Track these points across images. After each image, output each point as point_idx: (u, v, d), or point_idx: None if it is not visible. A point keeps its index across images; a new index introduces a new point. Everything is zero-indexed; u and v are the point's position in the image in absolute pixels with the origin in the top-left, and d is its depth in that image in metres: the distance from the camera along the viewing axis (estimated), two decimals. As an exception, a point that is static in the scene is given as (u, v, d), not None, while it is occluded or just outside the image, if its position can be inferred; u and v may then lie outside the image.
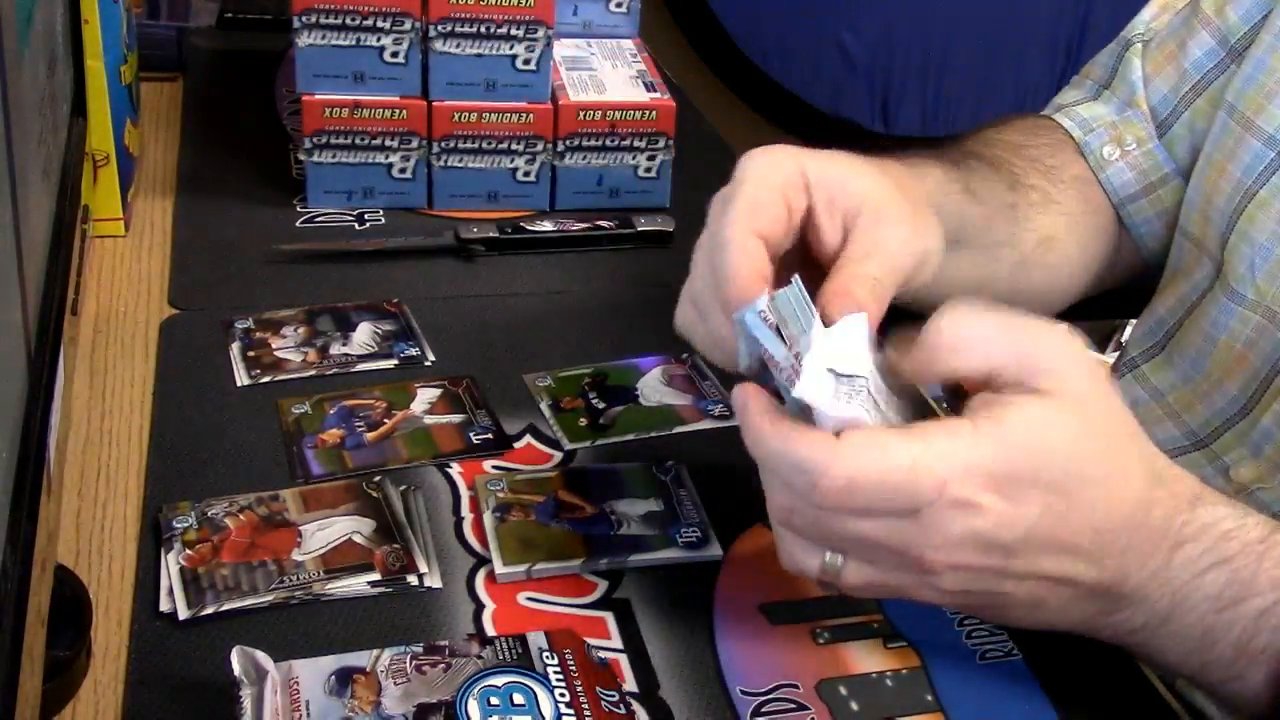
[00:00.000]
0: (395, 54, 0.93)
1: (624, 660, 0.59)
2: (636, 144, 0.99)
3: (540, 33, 0.94)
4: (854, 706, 0.58)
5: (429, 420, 0.74)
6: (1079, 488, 0.51)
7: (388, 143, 0.95)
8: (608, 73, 1.02)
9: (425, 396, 0.76)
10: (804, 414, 0.53)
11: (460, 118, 0.95)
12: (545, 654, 0.57)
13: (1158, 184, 0.82)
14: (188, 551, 0.62)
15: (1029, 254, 0.79)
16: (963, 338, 0.53)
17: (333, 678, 0.55)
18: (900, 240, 0.60)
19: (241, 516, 0.65)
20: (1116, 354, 0.90)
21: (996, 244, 0.77)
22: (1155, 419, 0.80)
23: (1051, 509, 0.51)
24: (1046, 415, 0.51)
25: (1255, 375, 0.73)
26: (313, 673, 0.55)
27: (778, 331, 0.54)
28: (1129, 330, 0.83)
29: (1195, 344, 0.77)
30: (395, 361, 0.79)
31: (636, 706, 0.56)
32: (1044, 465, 0.51)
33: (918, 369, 0.54)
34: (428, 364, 0.80)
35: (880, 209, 0.61)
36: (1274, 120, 0.74)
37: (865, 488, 0.50)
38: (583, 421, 0.75)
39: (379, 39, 0.93)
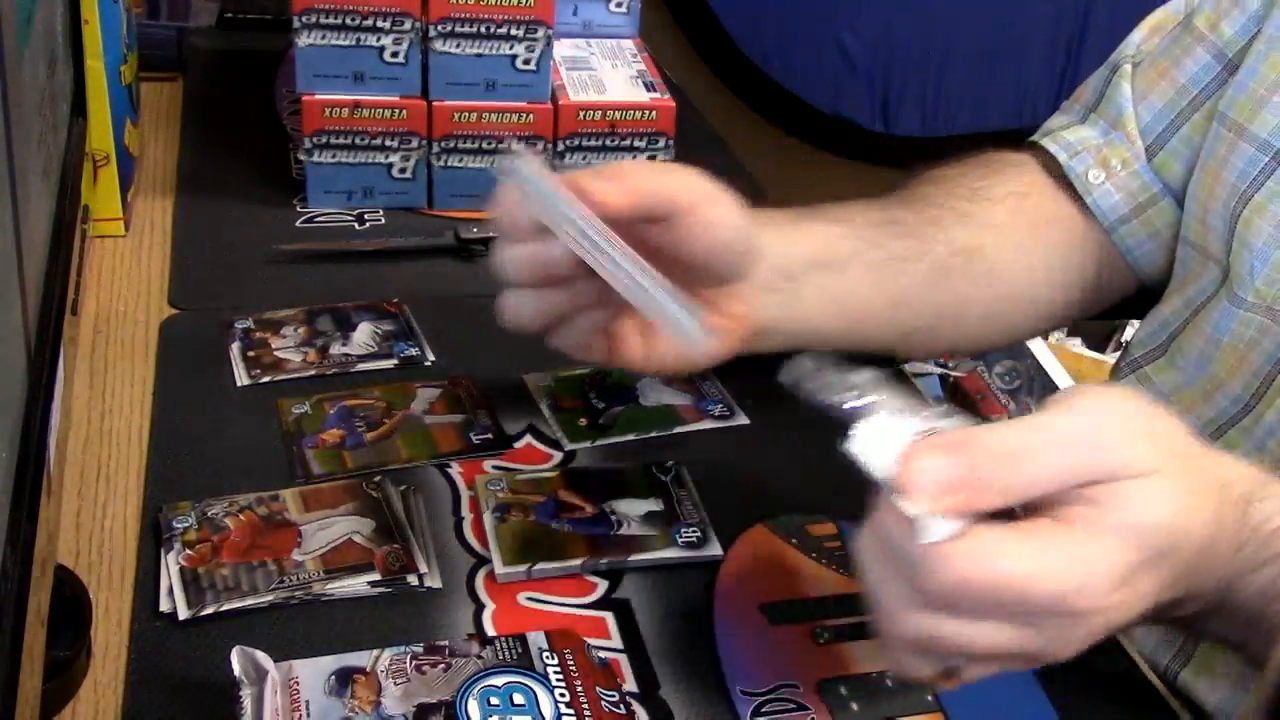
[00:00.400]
0: (395, 54, 0.93)
1: (624, 660, 0.59)
2: (636, 144, 0.99)
3: (540, 33, 0.94)
4: (854, 706, 0.58)
5: (429, 420, 0.74)
6: (1189, 551, 0.50)
7: (388, 143, 0.95)
8: (608, 73, 1.02)
9: (425, 396, 0.76)
10: None
11: (460, 118, 0.95)
12: (545, 654, 0.57)
13: (1147, 204, 0.82)
14: (188, 551, 0.62)
15: (944, 262, 0.79)
16: (1042, 456, 0.48)
17: (333, 678, 0.55)
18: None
19: (241, 516, 0.65)
20: (1118, 354, 0.90)
21: (892, 258, 0.78)
22: None
23: (1162, 579, 0.50)
24: (1159, 493, 0.48)
25: (1257, 373, 0.73)
26: (313, 673, 0.55)
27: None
28: (1130, 331, 0.83)
29: (1198, 346, 0.77)
30: (395, 361, 0.79)
31: (636, 706, 0.56)
32: (1163, 545, 0.49)
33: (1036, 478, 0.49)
34: (428, 364, 0.80)
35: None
36: (1267, 125, 0.74)
37: (977, 590, 0.47)
38: (583, 421, 0.75)
39: (379, 39, 0.93)
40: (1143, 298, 0.87)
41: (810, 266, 0.75)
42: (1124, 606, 0.49)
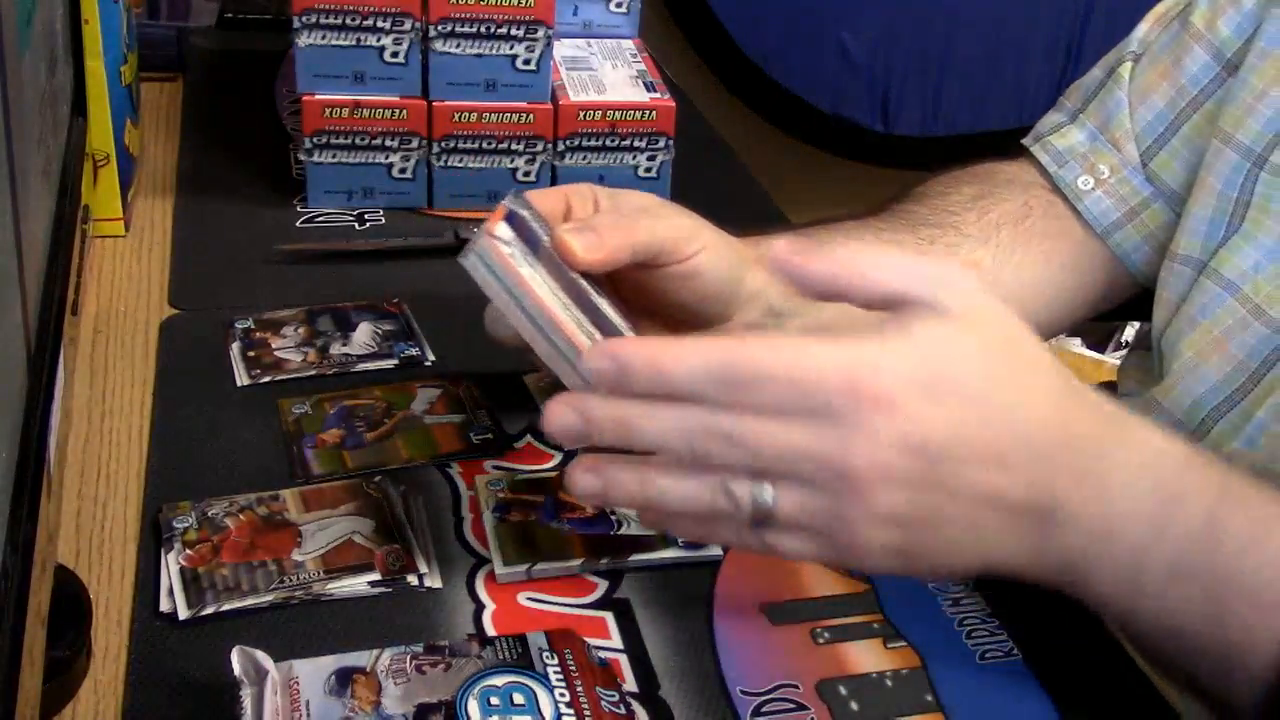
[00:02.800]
0: (395, 54, 0.93)
1: (624, 660, 0.59)
2: (636, 144, 0.99)
3: (540, 33, 0.94)
4: (854, 706, 0.58)
5: (429, 420, 0.74)
6: (994, 393, 0.52)
7: (388, 143, 0.95)
8: (608, 73, 1.02)
9: (425, 396, 0.76)
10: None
11: (460, 118, 0.95)
12: (545, 654, 0.57)
13: (1139, 208, 0.82)
14: (188, 551, 0.63)
15: None
16: (881, 260, 0.53)
17: (333, 678, 0.55)
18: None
19: (241, 516, 0.65)
20: (1117, 354, 0.90)
21: None
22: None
23: (969, 413, 0.51)
24: (952, 331, 0.52)
25: (1241, 367, 0.73)
26: (313, 673, 0.55)
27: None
28: (1130, 331, 0.83)
29: (1177, 327, 0.78)
30: (395, 361, 0.79)
31: (636, 706, 0.56)
32: (955, 373, 0.51)
33: (826, 283, 0.54)
34: (428, 364, 0.80)
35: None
36: (1250, 133, 0.74)
37: (775, 378, 0.50)
38: (583, 421, 0.75)
39: (379, 39, 0.93)
40: (1145, 298, 0.87)
41: (804, 303, 0.74)
42: (931, 423, 0.50)
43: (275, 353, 0.79)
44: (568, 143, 0.97)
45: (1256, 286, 0.73)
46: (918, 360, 0.51)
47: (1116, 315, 0.91)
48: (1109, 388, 0.89)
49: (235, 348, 0.79)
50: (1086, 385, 0.55)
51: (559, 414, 0.53)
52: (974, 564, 0.55)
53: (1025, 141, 0.87)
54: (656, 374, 0.51)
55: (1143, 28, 0.86)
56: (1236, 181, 0.74)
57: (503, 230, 0.58)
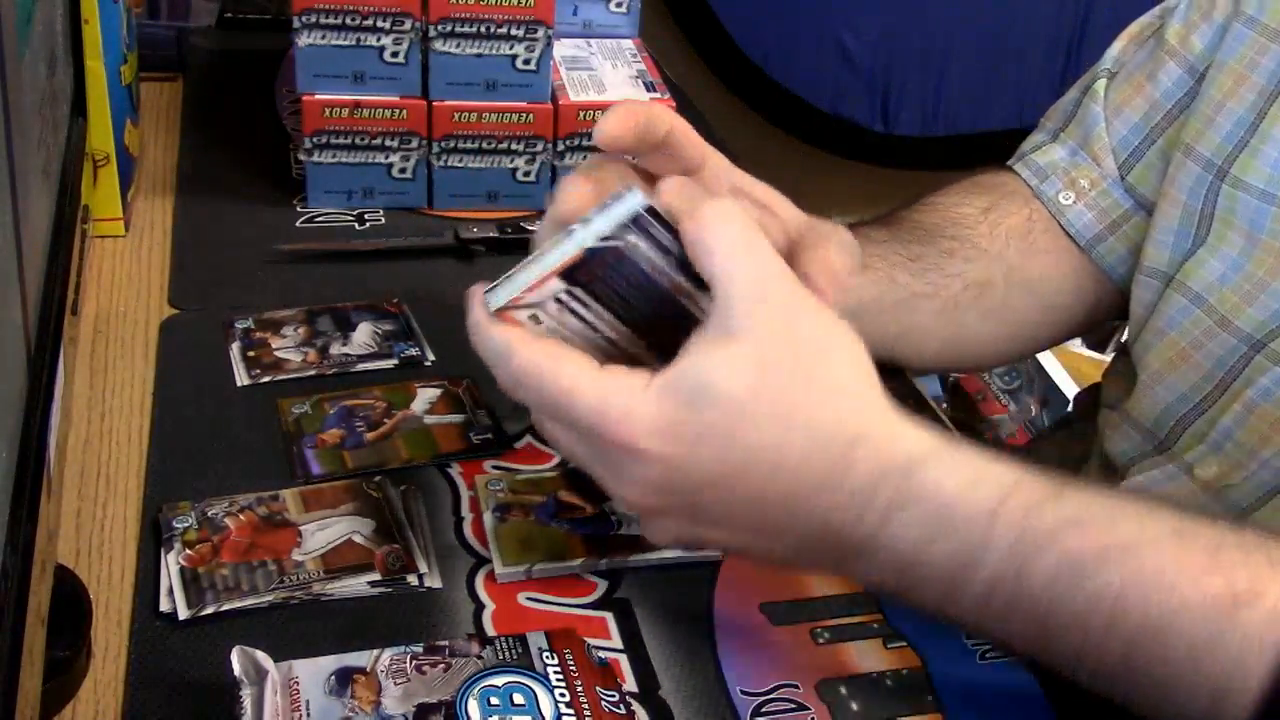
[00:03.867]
0: (395, 54, 0.93)
1: (624, 660, 0.59)
2: (636, 144, 0.98)
3: (540, 33, 0.94)
4: (854, 706, 0.58)
5: (429, 420, 0.74)
6: (755, 439, 0.51)
7: (388, 143, 0.95)
8: (608, 73, 1.02)
9: (425, 396, 0.76)
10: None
11: (460, 118, 0.95)
12: (545, 654, 0.57)
13: (1121, 221, 0.83)
14: (188, 551, 0.63)
15: (957, 297, 0.80)
16: (714, 246, 0.51)
17: (333, 678, 0.55)
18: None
19: (241, 516, 0.65)
20: (1116, 354, 0.90)
21: (912, 296, 0.79)
22: (1113, 426, 0.80)
23: (724, 463, 0.51)
24: (722, 367, 0.50)
25: (1207, 376, 0.74)
26: (313, 673, 0.55)
27: None
28: (1128, 332, 0.83)
29: (1144, 340, 0.78)
30: (395, 361, 0.79)
31: (636, 706, 0.56)
32: (707, 418, 0.50)
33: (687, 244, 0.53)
34: (428, 364, 0.80)
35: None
36: (1210, 145, 0.74)
37: (528, 384, 0.52)
38: (583, 421, 0.75)
39: (379, 39, 0.93)
40: None
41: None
42: (683, 469, 0.51)
43: (275, 353, 0.79)
44: (568, 143, 0.97)
45: (1222, 298, 0.73)
46: (670, 406, 0.51)
47: (1117, 316, 0.91)
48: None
49: (235, 348, 0.79)
50: (884, 415, 0.52)
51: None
52: (788, 565, 0.56)
53: (1010, 162, 0.88)
54: (518, 388, 0.54)
55: (1117, 46, 0.86)
56: (1200, 194, 0.75)
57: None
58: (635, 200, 0.51)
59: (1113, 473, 0.81)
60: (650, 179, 0.59)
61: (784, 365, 0.51)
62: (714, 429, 0.51)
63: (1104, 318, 0.88)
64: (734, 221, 0.51)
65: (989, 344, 0.84)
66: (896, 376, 0.84)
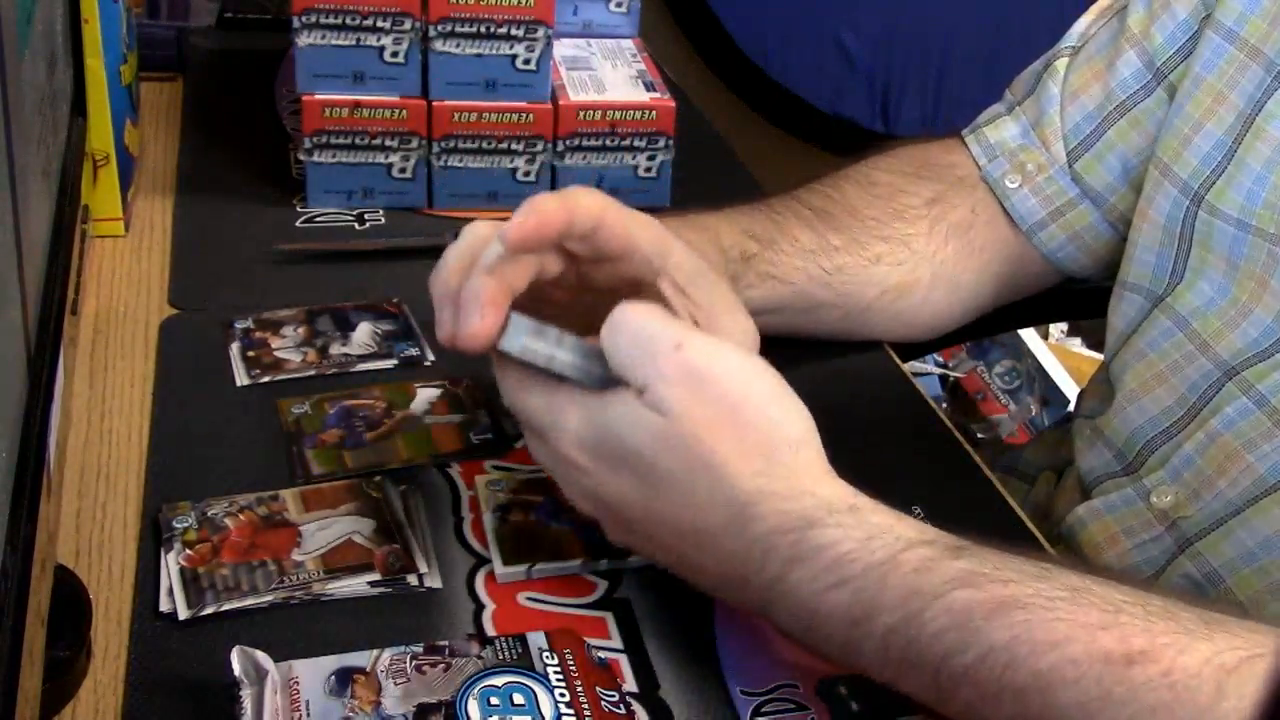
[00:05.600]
0: (395, 54, 0.93)
1: (624, 660, 0.59)
2: (636, 144, 0.98)
3: (540, 33, 0.94)
4: (854, 706, 0.58)
5: (429, 420, 0.74)
6: (663, 483, 0.54)
7: (388, 143, 0.95)
8: (608, 73, 1.02)
9: (425, 396, 0.76)
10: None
11: (460, 118, 0.95)
12: (545, 654, 0.57)
13: (1065, 208, 0.83)
14: (188, 551, 0.62)
15: (869, 304, 0.82)
16: (617, 338, 0.55)
17: (333, 678, 0.55)
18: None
19: (241, 516, 0.65)
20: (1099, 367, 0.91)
21: (821, 305, 0.80)
22: (1086, 441, 0.80)
23: (642, 491, 0.55)
24: (636, 414, 0.54)
25: (1181, 400, 0.74)
26: (313, 673, 0.55)
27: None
28: (1108, 345, 0.84)
29: (1123, 359, 0.78)
30: (395, 361, 0.79)
31: (636, 706, 0.56)
32: (629, 452, 0.54)
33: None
34: (428, 364, 0.80)
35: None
36: (1188, 167, 0.74)
37: (505, 388, 0.58)
38: (583, 421, 0.75)
39: (379, 39, 0.93)
40: (1089, 296, 0.88)
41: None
42: (608, 487, 0.55)
43: (275, 353, 0.79)
44: (567, 143, 0.97)
45: (1206, 323, 0.73)
46: (598, 430, 0.55)
47: (1086, 313, 0.93)
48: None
49: (235, 348, 0.79)
50: (789, 476, 0.54)
51: None
52: (725, 597, 0.59)
53: (965, 131, 0.88)
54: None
55: (1084, 20, 0.86)
56: (1178, 218, 0.75)
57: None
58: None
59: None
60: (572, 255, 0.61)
61: (698, 423, 0.53)
62: (628, 462, 0.55)
63: (1027, 293, 0.88)
64: (628, 319, 0.55)
65: (886, 337, 0.85)
66: (896, 376, 0.84)
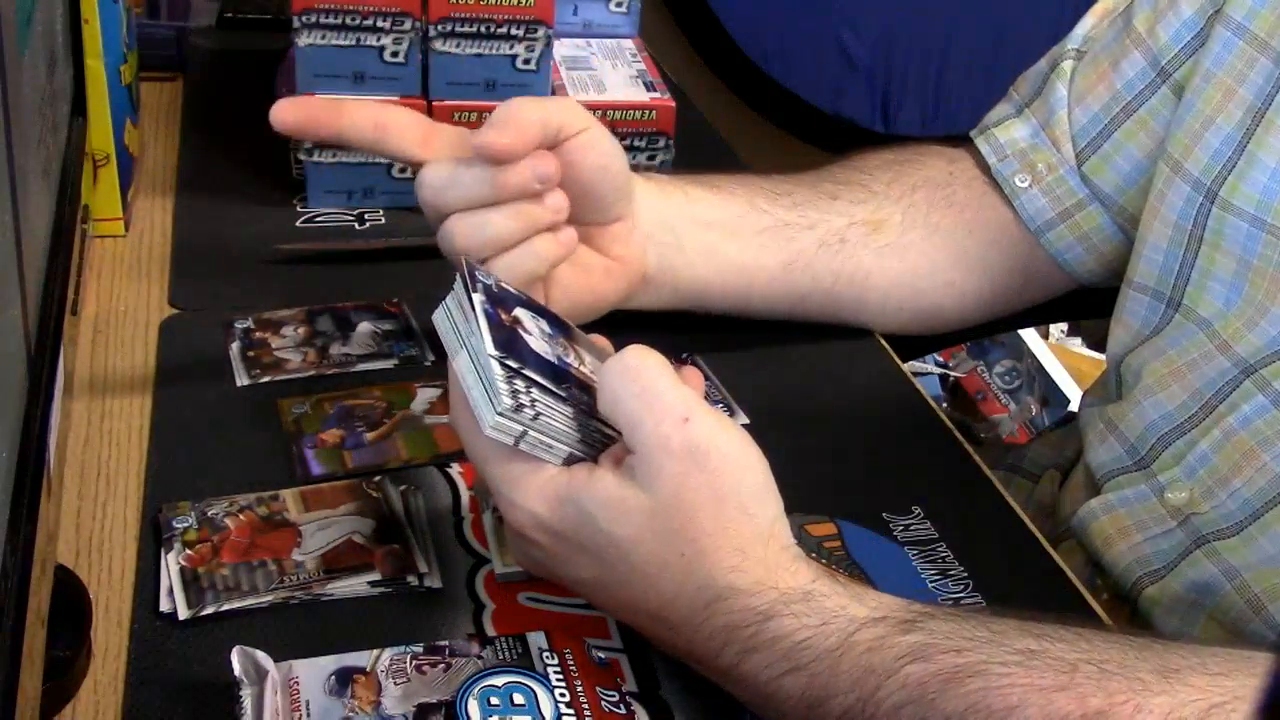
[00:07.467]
0: (395, 54, 0.93)
1: (624, 660, 0.59)
2: (636, 144, 0.98)
3: (540, 33, 0.94)
4: (854, 706, 0.58)
5: (429, 420, 0.74)
6: (633, 573, 0.54)
7: (388, 143, 0.95)
8: (608, 73, 1.02)
9: (425, 396, 0.76)
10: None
11: (460, 118, 0.95)
12: (545, 654, 0.57)
13: (1074, 209, 0.82)
14: (188, 551, 0.62)
15: (841, 231, 0.81)
16: (616, 400, 0.54)
17: (333, 678, 0.55)
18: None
19: (241, 516, 0.65)
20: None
21: (781, 224, 0.80)
22: (1098, 435, 0.80)
23: (602, 575, 0.55)
24: (620, 496, 0.54)
25: (1196, 395, 0.73)
26: (313, 673, 0.55)
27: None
28: (1119, 342, 0.83)
29: (1141, 355, 0.78)
30: (395, 361, 0.79)
31: (636, 706, 0.56)
32: (599, 534, 0.54)
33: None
34: (428, 364, 0.80)
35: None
36: (1199, 163, 0.74)
37: (465, 439, 0.57)
38: (583, 421, 0.75)
39: (379, 39, 0.93)
40: (1091, 298, 0.88)
41: (693, 224, 0.77)
42: (565, 565, 0.56)
43: (275, 353, 0.79)
44: (568, 143, 0.97)
45: (1226, 322, 0.72)
46: (559, 513, 0.55)
47: (1071, 316, 0.92)
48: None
49: (235, 348, 0.79)
50: (754, 572, 0.54)
51: None
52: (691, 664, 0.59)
53: (972, 133, 0.88)
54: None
55: (1087, 22, 0.86)
56: (1190, 214, 0.74)
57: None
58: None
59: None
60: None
61: (684, 508, 0.53)
62: (595, 546, 0.55)
63: (1043, 296, 0.88)
64: (640, 372, 0.55)
65: (890, 290, 0.83)
66: (896, 376, 0.84)
